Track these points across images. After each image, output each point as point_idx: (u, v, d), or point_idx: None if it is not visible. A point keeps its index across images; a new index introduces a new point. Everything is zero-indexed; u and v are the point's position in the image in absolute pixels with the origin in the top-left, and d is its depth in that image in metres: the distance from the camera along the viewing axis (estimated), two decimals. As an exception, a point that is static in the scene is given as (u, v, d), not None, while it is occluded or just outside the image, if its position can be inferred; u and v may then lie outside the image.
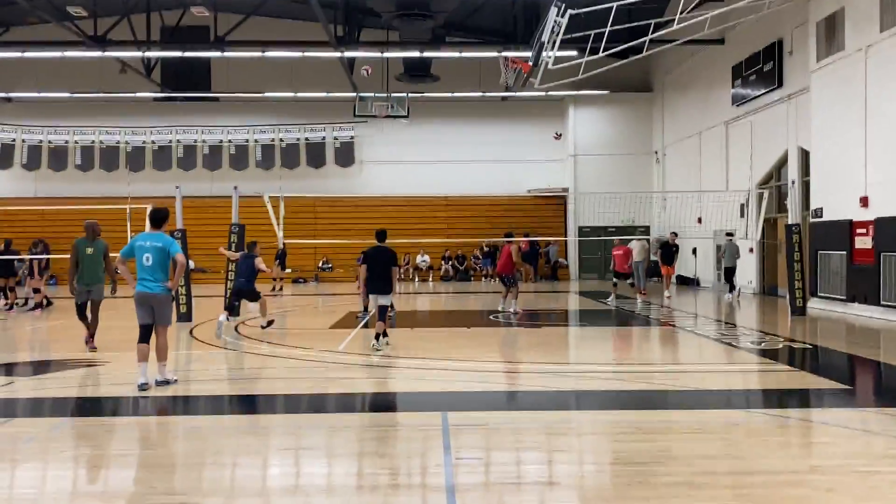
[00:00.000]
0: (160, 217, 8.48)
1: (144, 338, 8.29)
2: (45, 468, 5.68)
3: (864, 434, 6.31)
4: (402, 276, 30.38)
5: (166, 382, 8.32)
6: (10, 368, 9.86)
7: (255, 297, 13.22)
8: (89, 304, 11.13)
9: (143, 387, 8.05)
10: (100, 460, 5.84)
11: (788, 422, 6.85)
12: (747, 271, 22.49)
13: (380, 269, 11.13)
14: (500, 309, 16.43)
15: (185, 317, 14.72)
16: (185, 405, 7.87)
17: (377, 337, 10.92)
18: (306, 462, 5.77)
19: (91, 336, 11.15)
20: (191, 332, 13.26)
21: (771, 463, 5.45)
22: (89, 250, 11.03)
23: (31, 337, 13.74)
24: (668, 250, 20.68)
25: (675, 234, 21.01)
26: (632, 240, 22.26)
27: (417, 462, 5.68)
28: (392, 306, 13.39)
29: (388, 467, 5.47)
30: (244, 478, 5.40)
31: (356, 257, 30.24)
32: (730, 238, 20.60)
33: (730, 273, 20.57)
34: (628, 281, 20.04)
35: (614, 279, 20.08)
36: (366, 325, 14.11)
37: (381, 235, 11.56)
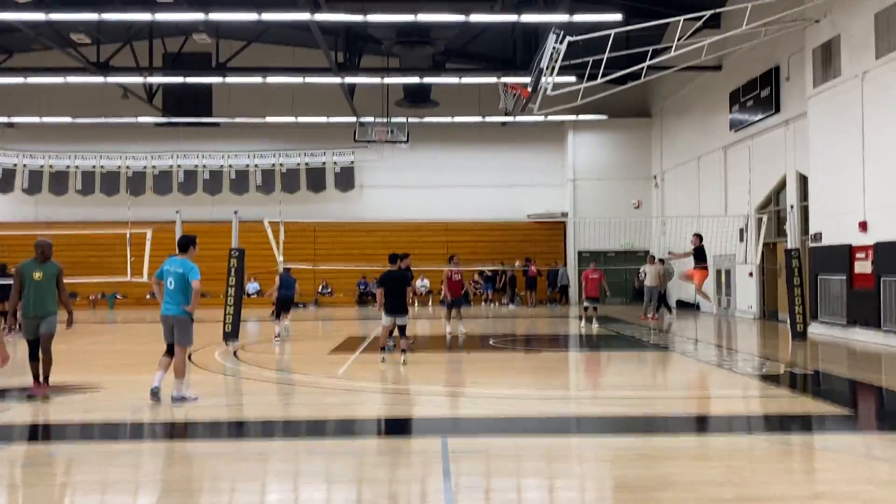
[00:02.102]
0: (184, 243, 9.09)
1: (168, 353, 8.86)
2: (42, 494, 5.63)
3: (868, 460, 6.26)
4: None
5: (182, 399, 8.60)
6: (6, 393, 9.79)
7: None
8: (40, 339, 9.04)
9: (154, 391, 8.53)
10: (97, 486, 5.79)
11: (791, 447, 6.80)
12: (747, 296, 22.49)
13: (398, 291, 11.96)
14: (460, 331, 16.82)
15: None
16: (182, 430, 7.81)
17: (403, 351, 11.92)
18: (305, 488, 5.72)
19: (45, 378, 9.10)
20: (189, 356, 13.19)
21: (774, 489, 5.40)
22: (37, 275, 8.95)
23: (27, 361, 13.65)
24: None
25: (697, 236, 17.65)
26: (643, 265, 22.31)
27: (417, 488, 5.63)
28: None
29: (388, 493, 5.41)
30: (242, 504, 5.34)
31: (356, 281, 30.70)
32: (662, 262, 22.05)
33: (663, 295, 22.16)
34: (593, 305, 19.37)
35: (586, 304, 19.61)
36: (363, 350, 14.02)
37: (394, 259, 12.27)
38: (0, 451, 6.69)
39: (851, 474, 5.81)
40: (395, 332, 12.35)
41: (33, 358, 9.08)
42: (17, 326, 18.73)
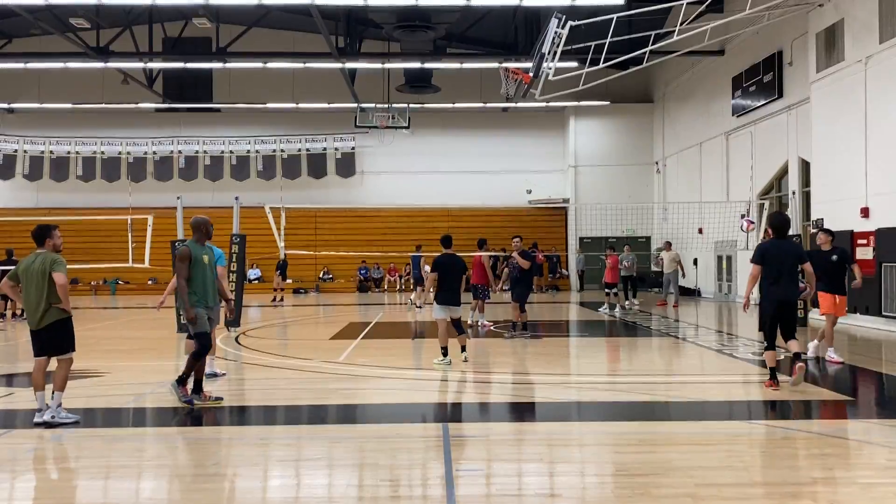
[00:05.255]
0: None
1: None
2: (45, 480, 5.67)
3: (867, 445, 6.28)
4: (403, 286, 30.46)
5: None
6: (10, 379, 9.83)
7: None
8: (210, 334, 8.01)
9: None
10: (99, 472, 5.82)
11: (790, 433, 6.81)
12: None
13: (453, 279, 10.56)
14: (469, 322, 15.61)
15: (186, 327, 14.68)
16: (184, 416, 7.84)
17: (463, 349, 10.68)
18: (306, 473, 5.75)
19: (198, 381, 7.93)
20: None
21: (773, 474, 5.42)
22: (206, 258, 7.83)
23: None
24: (829, 264, 10.61)
25: (830, 234, 10.99)
26: (661, 250, 22.32)
27: (418, 473, 5.65)
28: (526, 326, 13.93)
29: (389, 479, 5.44)
30: (244, 489, 5.37)
31: (358, 268, 30.72)
32: (629, 248, 22.29)
33: (634, 282, 21.92)
34: (613, 290, 20.11)
35: (606, 290, 20.25)
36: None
37: (447, 241, 10.80)
38: (3, 437, 6.73)
39: (851, 460, 5.83)
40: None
41: (203, 355, 7.87)
42: (21, 312, 18.89)
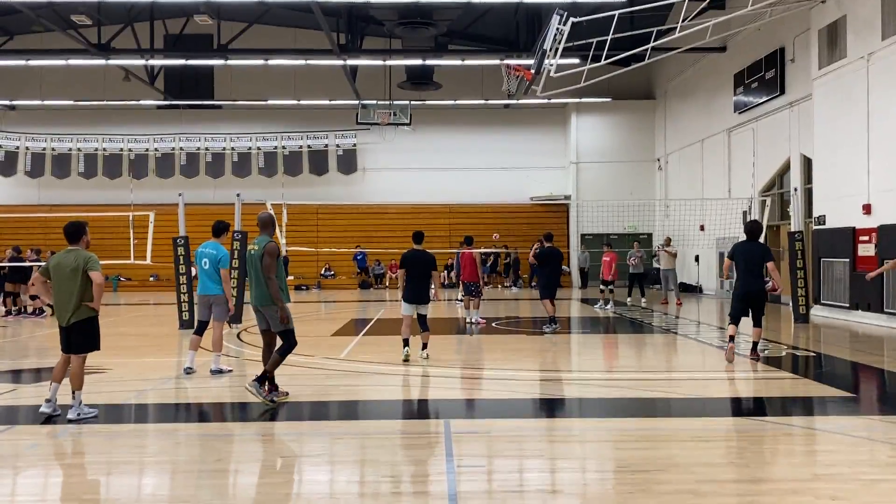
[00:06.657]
0: (218, 229, 9.79)
1: (199, 331, 9.64)
2: (47, 476, 5.68)
3: (869, 442, 6.28)
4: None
5: (220, 372, 9.25)
6: (12, 375, 9.85)
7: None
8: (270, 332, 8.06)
9: (187, 370, 9.36)
10: (101, 468, 5.84)
11: (792, 430, 6.82)
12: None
13: (419, 275, 10.59)
14: (467, 320, 15.59)
15: (188, 324, 14.71)
16: (186, 412, 7.86)
17: (424, 346, 10.63)
18: (308, 469, 5.76)
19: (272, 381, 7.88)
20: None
21: (775, 471, 5.42)
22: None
23: (32, 343, 13.74)
24: None
25: None
26: (661, 247, 22.26)
27: (420, 469, 5.66)
28: (555, 320, 14.06)
29: (391, 475, 5.45)
30: (245, 485, 5.38)
31: (353, 255, 30.70)
32: (638, 245, 22.29)
33: (641, 279, 21.65)
34: (608, 287, 19.93)
35: (602, 286, 20.14)
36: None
37: (418, 237, 10.83)
38: (5, 433, 6.74)
39: (852, 456, 5.83)
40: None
41: (290, 352, 7.95)
42: (24, 308, 18.90)
